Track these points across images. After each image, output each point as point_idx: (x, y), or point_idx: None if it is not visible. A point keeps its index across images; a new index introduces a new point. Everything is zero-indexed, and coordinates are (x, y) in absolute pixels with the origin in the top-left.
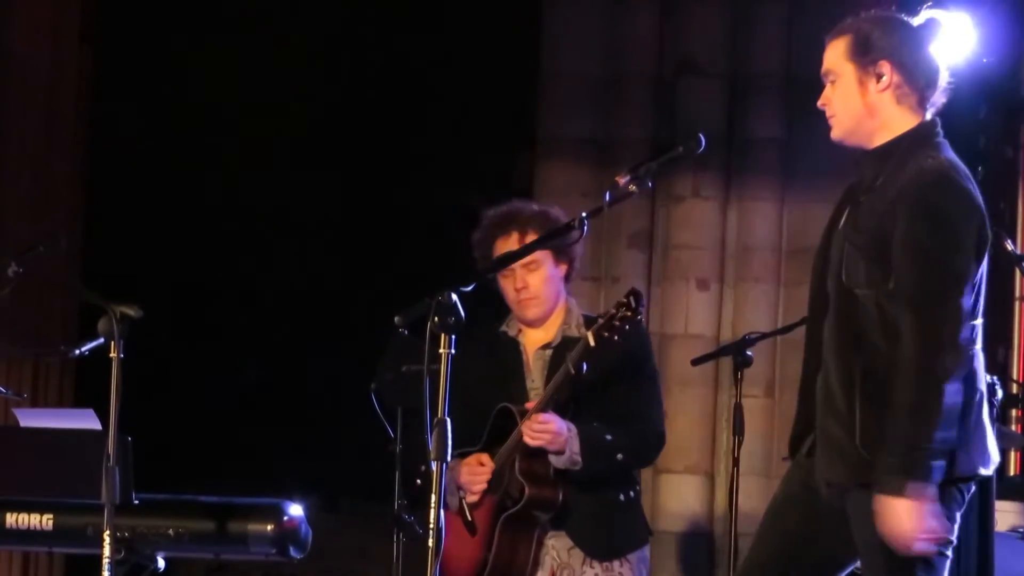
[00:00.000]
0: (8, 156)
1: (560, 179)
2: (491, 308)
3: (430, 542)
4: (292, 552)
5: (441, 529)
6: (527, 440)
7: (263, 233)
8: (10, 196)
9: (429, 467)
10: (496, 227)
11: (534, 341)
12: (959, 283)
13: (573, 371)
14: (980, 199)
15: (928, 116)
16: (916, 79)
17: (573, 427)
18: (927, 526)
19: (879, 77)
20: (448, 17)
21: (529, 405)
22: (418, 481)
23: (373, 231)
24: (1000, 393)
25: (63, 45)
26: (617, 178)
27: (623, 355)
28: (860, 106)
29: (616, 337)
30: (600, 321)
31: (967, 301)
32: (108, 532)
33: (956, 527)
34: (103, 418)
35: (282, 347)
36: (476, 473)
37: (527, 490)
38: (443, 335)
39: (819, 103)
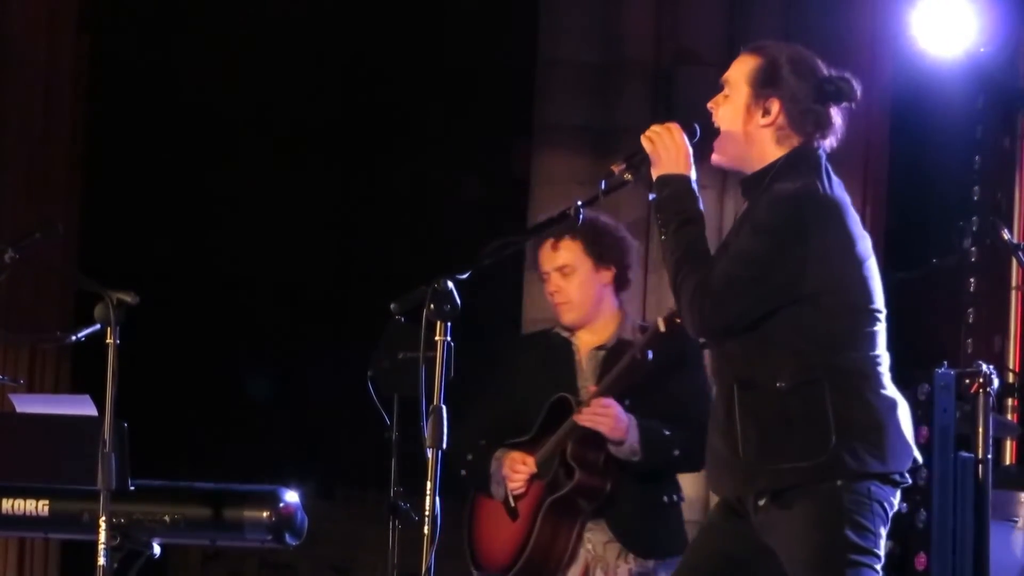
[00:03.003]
0: (6, 143)
1: (557, 167)
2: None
3: (426, 529)
4: (288, 539)
5: (437, 516)
6: (583, 422)
7: (260, 219)
8: (8, 183)
9: (475, 456)
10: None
11: (587, 342)
12: (753, 287)
13: (640, 356)
14: (829, 224)
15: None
16: (803, 126)
17: (633, 418)
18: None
19: (765, 112)
20: (446, 4)
21: (591, 389)
22: (463, 472)
23: (371, 217)
24: (996, 383)
25: (61, 33)
26: (613, 166)
27: (682, 356)
28: (740, 131)
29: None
30: (672, 308)
31: (754, 303)
32: (104, 518)
33: (882, 542)
34: (99, 404)
35: (279, 333)
36: (516, 471)
37: (576, 475)
38: (439, 322)
39: (708, 104)
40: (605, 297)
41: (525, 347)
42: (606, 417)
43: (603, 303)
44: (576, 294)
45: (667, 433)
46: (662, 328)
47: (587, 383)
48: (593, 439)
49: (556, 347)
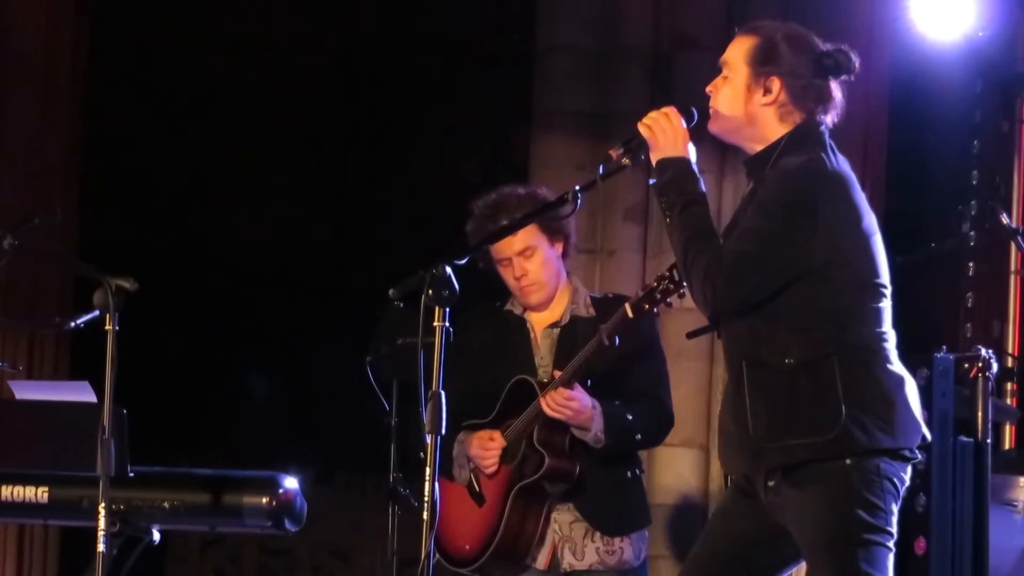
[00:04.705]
0: (4, 128)
1: (556, 152)
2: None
3: (425, 514)
4: (287, 525)
5: (436, 501)
6: (549, 413)
7: (260, 205)
8: (6, 169)
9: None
10: (486, 219)
11: (541, 320)
12: (765, 262)
13: (607, 342)
14: (836, 197)
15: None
16: (804, 102)
17: (598, 404)
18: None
19: (767, 91)
20: None
21: (556, 374)
22: (421, 455)
23: (370, 202)
24: (995, 367)
25: (59, 16)
26: (611, 151)
27: (640, 333)
28: (741, 112)
29: (655, 310)
30: (640, 294)
31: (767, 279)
32: (103, 505)
33: (894, 518)
34: (98, 390)
35: (278, 319)
36: (487, 448)
37: (546, 460)
38: (437, 308)
39: (707, 88)
40: (561, 271)
41: (477, 325)
42: (571, 409)
43: (560, 278)
44: (542, 274)
45: (630, 418)
46: (630, 314)
47: (543, 362)
48: (558, 423)
49: (510, 326)
